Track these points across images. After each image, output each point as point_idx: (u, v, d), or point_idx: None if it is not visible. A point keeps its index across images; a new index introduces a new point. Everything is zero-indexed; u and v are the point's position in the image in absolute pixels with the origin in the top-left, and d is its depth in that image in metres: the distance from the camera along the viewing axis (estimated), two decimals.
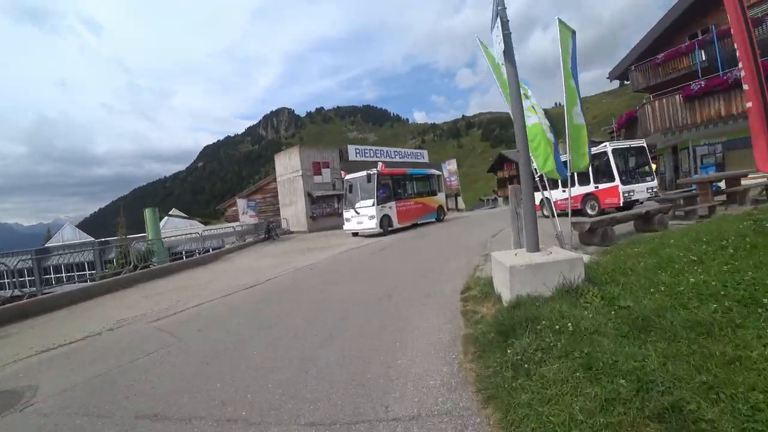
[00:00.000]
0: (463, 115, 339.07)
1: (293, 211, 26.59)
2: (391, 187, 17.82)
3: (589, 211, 13.15)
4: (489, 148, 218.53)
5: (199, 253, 17.16)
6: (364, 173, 16.82)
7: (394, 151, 31.35)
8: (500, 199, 65.37)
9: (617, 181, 12.09)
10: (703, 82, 17.00)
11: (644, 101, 19.72)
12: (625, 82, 26.74)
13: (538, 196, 15.43)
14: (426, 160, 36.04)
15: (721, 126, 16.64)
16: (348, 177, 18.21)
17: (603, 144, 12.66)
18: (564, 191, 13.90)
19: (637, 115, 20.76)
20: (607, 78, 26.17)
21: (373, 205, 16.38)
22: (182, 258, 17.61)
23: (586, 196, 13.28)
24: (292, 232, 26.27)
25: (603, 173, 12.88)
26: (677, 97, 18.06)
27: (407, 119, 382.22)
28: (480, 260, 8.16)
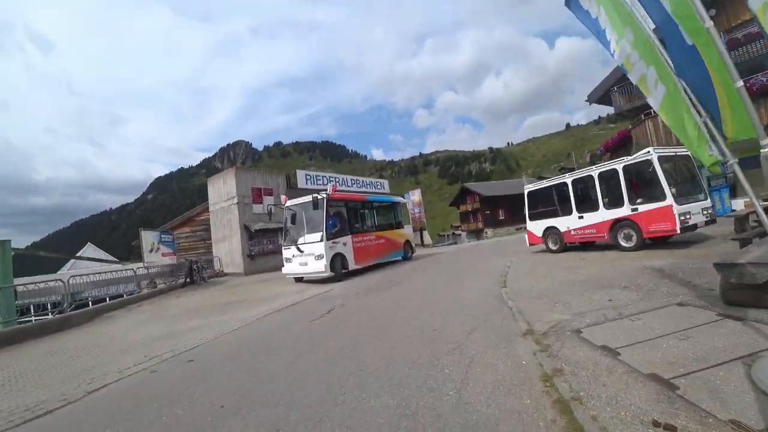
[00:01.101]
0: (420, 153, 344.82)
1: (227, 247, 21.73)
2: (346, 217, 13.69)
3: (624, 243, 9.55)
4: (446, 185, 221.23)
5: (76, 308, 12.09)
6: (309, 198, 12.62)
7: (352, 179, 27.39)
8: (463, 234, 62.66)
9: (669, 200, 8.57)
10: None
11: (642, 117, 17.00)
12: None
13: (539, 225, 11.99)
14: (386, 191, 32.37)
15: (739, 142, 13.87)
16: (289, 203, 13.94)
17: (646, 151, 9.24)
18: (582, 217, 10.30)
19: (631, 134, 18.05)
20: (586, 101, 23.82)
21: (322, 240, 12.13)
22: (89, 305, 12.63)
23: (617, 224, 9.70)
24: (225, 274, 21.32)
25: (643, 190, 9.44)
26: None
27: (366, 156, 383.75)
28: (525, 348, 3.96)
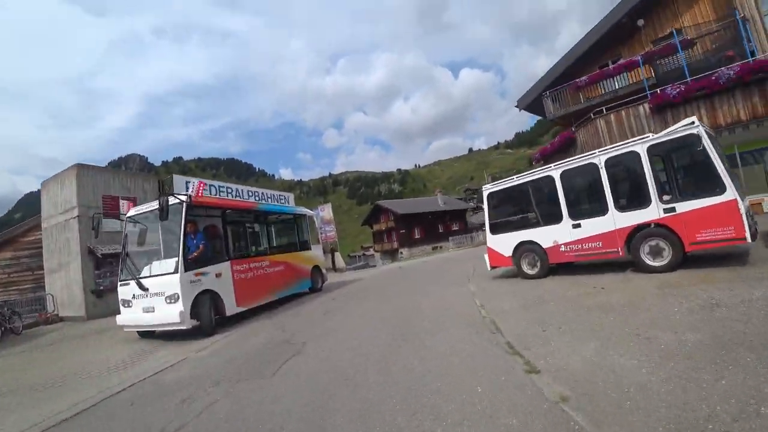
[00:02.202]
0: (330, 173, 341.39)
1: (63, 280, 15.54)
2: (223, 235, 9.11)
3: (650, 261, 6.43)
4: (355, 205, 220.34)
5: None
6: (156, 203, 7.90)
7: (249, 191, 22.31)
8: (377, 255, 59.38)
9: (731, 192, 5.58)
10: (681, 87, 12.62)
11: (591, 116, 14.87)
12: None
13: (506, 240, 8.55)
14: (312, 213, 27.75)
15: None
16: (132, 212, 9.04)
17: (689, 122, 6.22)
18: (578, 225, 7.03)
19: (576, 136, 15.89)
20: (516, 107, 21.90)
21: (176, 271, 7.49)
22: None
23: (638, 232, 6.60)
24: (61, 319, 15.12)
25: (684, 180, 6.50)
26: (642, 107, 13.59)
27: (273, 175, 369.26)
28: None
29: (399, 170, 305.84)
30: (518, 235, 8.26)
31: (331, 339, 5.95)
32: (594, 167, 7.25)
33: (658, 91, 13.60)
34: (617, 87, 18.18)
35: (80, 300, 14.64)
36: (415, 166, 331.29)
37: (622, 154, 6.96)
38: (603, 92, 18.51)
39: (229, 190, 19.26)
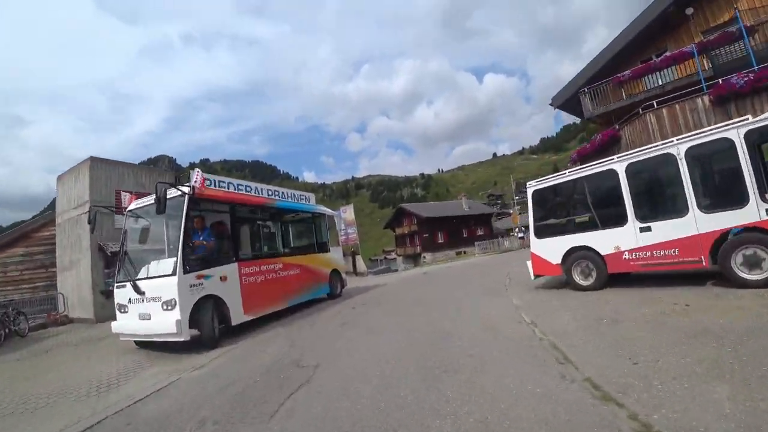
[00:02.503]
0: (352, 177, 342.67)
1: (74, 279, 14.94)
2: (230, 233, 8.15)
3: (744, 274, 5.20)
4: (377, 209, 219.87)
5: None
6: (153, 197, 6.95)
7: (270, 190, 21.54)
8: (399, 258, 58.18)
9: None
10: (750, 75, 11.19)
11: (640, 111, 13.41)
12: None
13: (555, 246, 7.29)
14: (333, 212, 26.91)
15: None
16: (133, 205, 8.16)
17: None
18: (647, 228, 5.73)
19: (620, 134, 14.42)
20: (550, 104, 20.46)
21: (174, 273, 6.52)
22: None
23: (730, 236, 5.33)
24: (71, 320, 14.50)
25: None
26: (700, 100, 12.09)
27: (297, 177, 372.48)
28: None
29: (422, 174, 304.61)
30: (570, 239, 6.99)
31: (347, 362, 4.82)
32: (670, 159, 5.93)
33: (720, 82, 12.09)
34: (663, 82, 16.62)
35: (89, 300, 13.97)
36: (438, 170, 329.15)
37: (709, 141, 5.63)
38: (647, 88, 16.95)
39: (253, 189, 18.34)
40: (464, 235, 51.90)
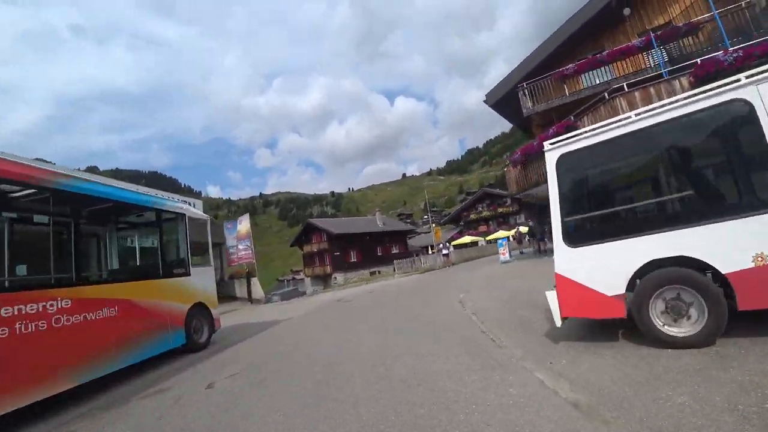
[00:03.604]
0: (260, 193, 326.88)
1: None
2: None
3: None
4: (286, 227, 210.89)
5: None
6: None
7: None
8: (307, 279, 52.93)
9: None
10: (740, 52, 9.13)
11: (606, 96, 11.04)
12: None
13: (610, 257, 3.70)
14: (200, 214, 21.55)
15: None
16: None
17: None
18: None
19: (577, 125, 11.96)
20: (484, 101, 18.01)
21: None
22: None
23: None
24: None
25: None
26: (677, 82, 10.09)
27: (200, 192, 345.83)
28: None
29: (332, 193, 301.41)
30: (642, 244, 3.49)
31: None
32: None
33: (699, 62, 10.10)
34: (602, 80, 14.91)
35: None
36: (349, 189, 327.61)
37: None
38: (590, 84, 15.12)
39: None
40: (379, 254, 48.63)
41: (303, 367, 5.01)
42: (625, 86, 10.94)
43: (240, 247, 18.99)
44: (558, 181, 3.92)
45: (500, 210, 56.85)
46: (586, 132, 3.83)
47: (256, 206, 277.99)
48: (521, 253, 22.89)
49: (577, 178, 3.98)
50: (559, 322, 3.99)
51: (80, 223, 5.53)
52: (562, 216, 3.88)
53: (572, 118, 12.43)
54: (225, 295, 24.01)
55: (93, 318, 5.12)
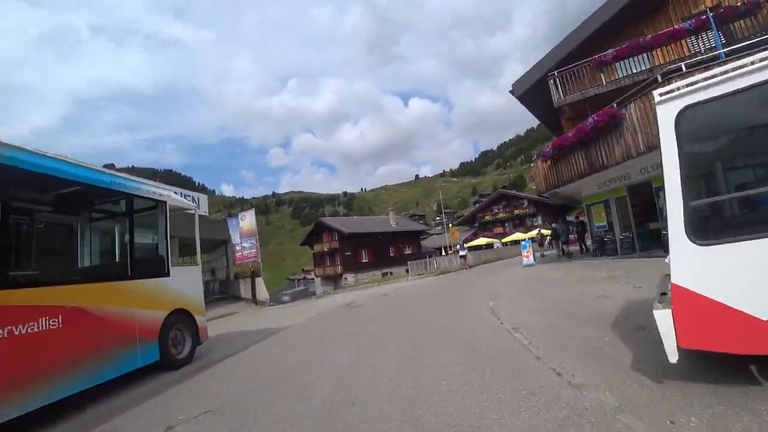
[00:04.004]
0: (273, 192, 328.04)
1: None
2: None
3: None
4: (299, 226, 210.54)
5: None
6: None
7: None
8: (317, 280, 51.86)
9: None
10: None
11: (659, 79, 9.56)
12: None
13: (743, 261, 2.32)
14: (204, 210, 20.48)
15: None
16: None
17: None
18: None
19: (621, 114, 10.54)
20: (510, 91, 16.60)
21: None
22: None
23: None
24: None
25: None
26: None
27: (213, 190, 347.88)
28: None
29: (345, 193, 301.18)
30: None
31: None
32: None
33: None
34: (649, 66, 13.40)
35: None
36: (362, 189, 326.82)
37: None
38: (627, 74, 13.62)
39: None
40: (391, 254, 47.31)
41: (295, 413, 3.69)
42: (683, 66, 9.44)
43: (245, 245, 17.84)
44: (679, 148, 2.54)
45: (517, 212, 55.14)
46: (727, 71, 2.45)
47: (268, 205, 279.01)
48: (542, 255, 21.34)
49: (714, 142, 2.61)
50: (674, 357, 2.61)
51: (12, 206, 4.32)
52: (687, 198, 2.50)
53: (615, 105, 10.97)
54: (230, 295, 22.95)
55: (21, 333, 3.90)
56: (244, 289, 18.98)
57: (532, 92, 16.19)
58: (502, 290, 9.67)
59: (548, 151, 13.48)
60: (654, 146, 9.75)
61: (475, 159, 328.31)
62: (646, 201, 12.85)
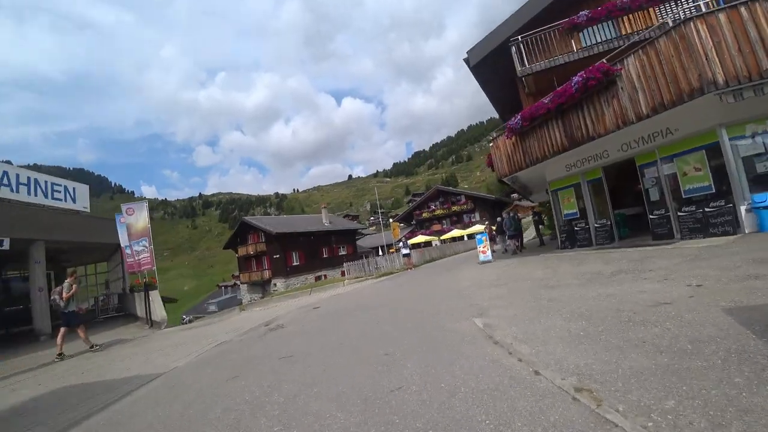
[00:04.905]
0: (200, 194, 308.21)
1: None
2: None
3: None
4: (227, 229, 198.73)
5: None
6: None
7: None
8: (243, 287, 46.95)
9: None
10: None
11: (669, 24, 7.42)
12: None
13: None
14: (83, 205, 15.98)
15: None
16: None
17: None
18: None
19: (617, 69, 8.33)
20: (464, 60, 14.20)
21: None
22: None
23: None
24: None
25: None
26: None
27: (133, 192, 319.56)
28: None
29: (276, 194, 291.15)
30: None
31: None
32: None
33: None
34: (614, 36, 11.56)
35: None
36: (294, 190, 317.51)
37: None
38: (589, 44, 11.72)
39: None
40: (325, 256, 43.84)
41: None
42: (702, 5, 7.31)
43: (136, 248, 13.77)
44: None
45: (454, 208, 54.18)
46: None
47: (195, 207, 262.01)
48: (493, 251, 19.36)
49: None
50: None
51: None
52: None
53: (604, 60, 8.73)
54: (128, 313, 18.43)
55: None
56: (140, 306, 14.89)
57: (489, 61, 13.85)
58: (480, 298, 6.97)
59: (516, 123, 11.10)
60: (662, 106, 7.58)
61: (408, 159, 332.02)
62: (627, 182, 10.92)
